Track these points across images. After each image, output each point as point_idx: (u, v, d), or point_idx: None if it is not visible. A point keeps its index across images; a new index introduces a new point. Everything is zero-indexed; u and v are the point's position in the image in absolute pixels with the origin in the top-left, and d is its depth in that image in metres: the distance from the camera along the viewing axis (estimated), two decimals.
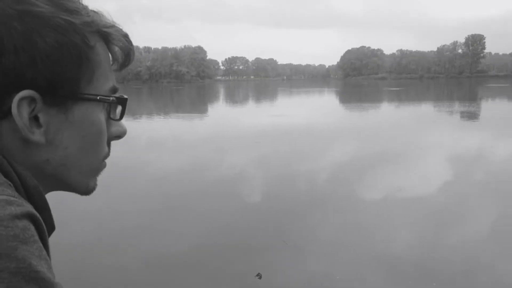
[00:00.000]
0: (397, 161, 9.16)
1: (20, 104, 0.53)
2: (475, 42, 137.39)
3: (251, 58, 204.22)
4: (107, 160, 0.67)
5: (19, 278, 0.43)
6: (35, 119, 0.55)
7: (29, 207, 0.48)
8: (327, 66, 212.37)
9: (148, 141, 12.31)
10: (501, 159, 9.30)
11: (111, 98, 0.62)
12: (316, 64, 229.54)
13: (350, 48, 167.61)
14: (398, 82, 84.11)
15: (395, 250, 4.49)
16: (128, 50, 0.66)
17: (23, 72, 0.53)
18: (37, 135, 0.55)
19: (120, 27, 0.64)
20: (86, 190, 0.65)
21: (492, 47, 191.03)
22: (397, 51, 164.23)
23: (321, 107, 27.65)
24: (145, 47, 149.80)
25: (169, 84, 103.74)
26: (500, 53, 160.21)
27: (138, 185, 7.17)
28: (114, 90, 0.64)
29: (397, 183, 7.14)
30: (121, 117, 0.66)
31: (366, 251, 4.42)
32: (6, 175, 0.52)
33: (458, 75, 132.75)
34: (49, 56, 0.53)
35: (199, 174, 7.96)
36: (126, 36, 0.65)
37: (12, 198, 0.47)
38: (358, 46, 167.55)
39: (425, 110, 23.55)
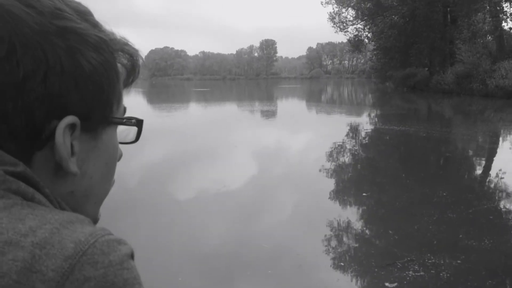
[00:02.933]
0: (208, 159, 9.47)
1: (64, 132, 0.48)
2: (268, 46, 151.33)
3: None
4: None
5: None
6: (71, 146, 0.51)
7: (129, 244, 0.47)
8: None
9: None
10: (296, 152, 10.50)
11: (133, 121, 0.59)
12: None
13: (153, 48, 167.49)
14: (203, 83, 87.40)
15: (210, 246, 4.63)
16: (138, 67, 0.60)
17: (68, 95, 0.48)
18: (74, 166, 0.51)
19: (132, 43, 0.58)
20: (94, 221, 0.58)
21: (283, 52, 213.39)
22: (199, 52, 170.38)
23: (129, 109, 26.97)
24: None
25: None
26: (290, 57, 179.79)
27: None
28: (125, 110, 0.61)
29: (208, 180, 7.37)
30: (137, 139, 0.63)
31: (191, 251, 4.47)
32: None
33: (256, 76, 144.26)
34: (91, 77, 0.50)
35: None
36: (138, 52, 0.60)
37: (118, 237, 0.46)
38: (161, 46, 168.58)
39: (232, 109, 25.00)
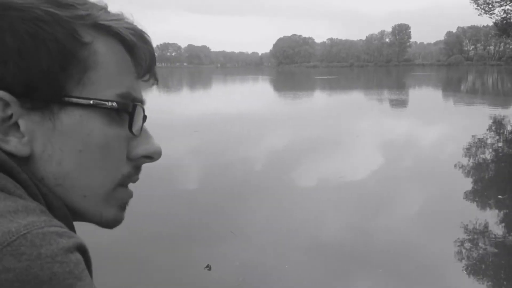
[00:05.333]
0: (332, 148, 9.28)
1: None
2: (401, 31, 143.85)
3: (183, 44, 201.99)
4: None
5: None
6: (16, 126, 0.48)
7: (78, 238, 0.43)
8: (260, 54, 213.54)
9: None
10: (427, 145, 9.72)
11: (108, 103, 0.51)
12: (249, 52, 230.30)
13: (282, 36, 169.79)
14: (330, 70, 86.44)
15: (332, 236, 4.52)
16: (145, 51, 0.55)
17: None
18: (18, 145, 0.48)
19: (132, 22, 0.54)
20: (101, 220, 0.54)
21: (418, 36, 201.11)
22: (327, 39, 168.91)
23: (258, 95, 27.72)
24: None
25: None
26: (425, 43, 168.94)
27: None
28: (126, 97, 0.53)
29: (331, 170, 7.18)
30: (130, 129, 0.54)
31: (305, 238, 4.41)
32: (33, 198, 0.47)
33: (386, 63, 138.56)
34: (19, 51, 0.47)
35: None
36: (142, 32, 0.55)
37: (61, 230, 0.42)
38: (289, 34, 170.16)
39: (357, 98, 24.27)
